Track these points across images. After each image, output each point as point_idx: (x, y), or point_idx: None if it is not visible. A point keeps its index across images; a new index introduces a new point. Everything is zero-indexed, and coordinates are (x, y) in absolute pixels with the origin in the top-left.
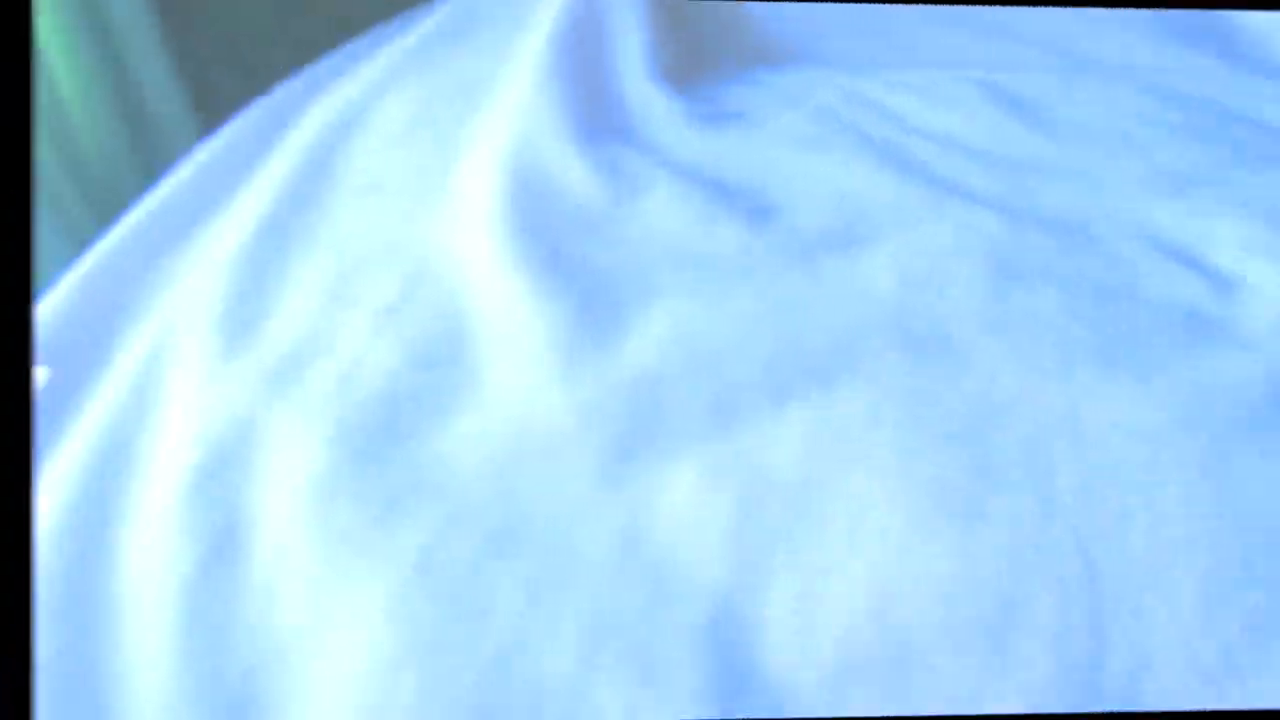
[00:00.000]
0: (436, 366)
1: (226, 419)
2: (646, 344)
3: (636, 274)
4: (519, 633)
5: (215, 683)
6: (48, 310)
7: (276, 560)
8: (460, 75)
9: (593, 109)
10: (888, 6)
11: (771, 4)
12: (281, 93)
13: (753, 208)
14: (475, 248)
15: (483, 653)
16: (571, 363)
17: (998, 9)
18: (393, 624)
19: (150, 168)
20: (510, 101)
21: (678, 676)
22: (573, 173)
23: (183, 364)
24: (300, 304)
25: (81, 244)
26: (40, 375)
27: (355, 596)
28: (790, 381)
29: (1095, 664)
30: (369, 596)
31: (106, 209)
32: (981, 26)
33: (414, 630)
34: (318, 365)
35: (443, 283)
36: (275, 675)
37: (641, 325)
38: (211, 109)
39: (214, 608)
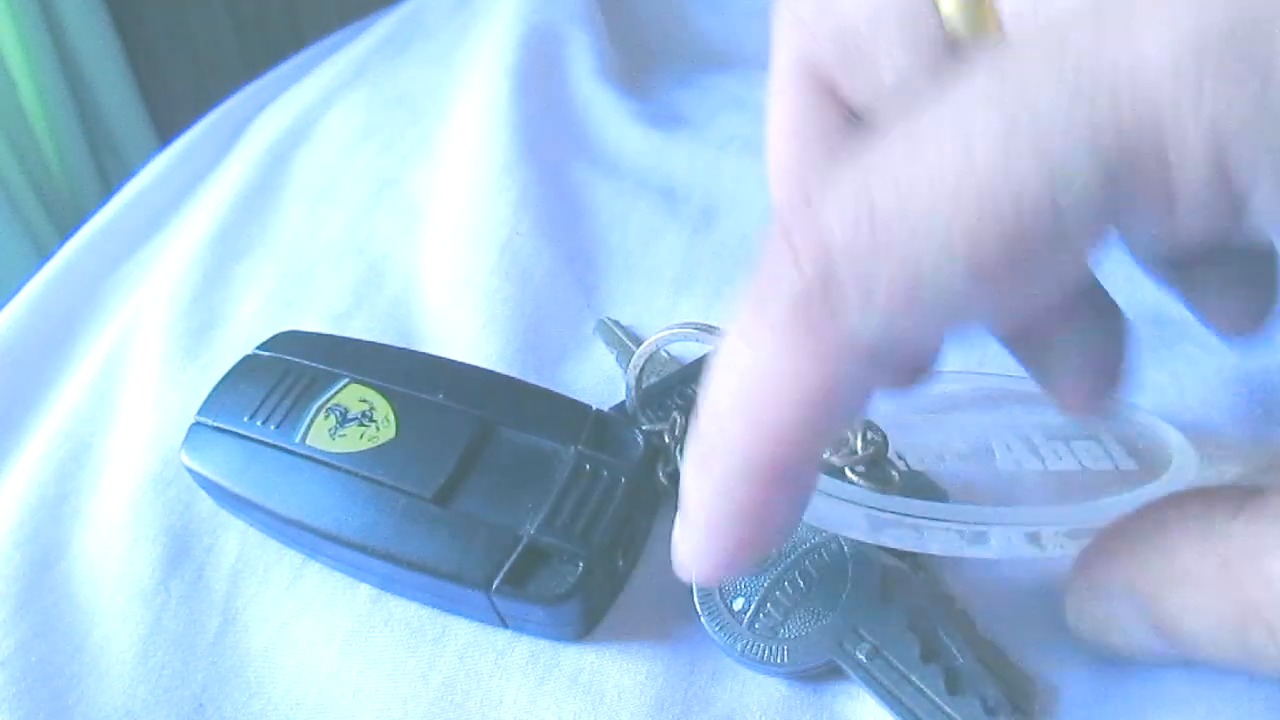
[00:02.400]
0: None
1: (182, 424)
2: (599, 366)
3: (587, 285)
4: (470, 662)
5: (172, 696)
6: (9, 315)
7: (234, 576)
8: (406, 84)
9: (545, 113)
10: None
11: (717, 5)
12: (234, 102)
13: (699, 213)
14: (427, 256)
15: (435, 682)
16: (522, 376)
17: None
18: (351, 651)
19: (109, 177)
20: (467, 110)
21: None
22: (525, 181)
23: (140, 368)
24: (254, 309)
25: (42, 252)
26: None
27: (314, 620)
28: None
29: None
30: (328, 622)
31: (67, 217)
32: None
33: (371, 658)
34: None
35: (394, 290)
36: (232, 693)
37: (594, 348)
38: (167, 118)
39: (172, 619)
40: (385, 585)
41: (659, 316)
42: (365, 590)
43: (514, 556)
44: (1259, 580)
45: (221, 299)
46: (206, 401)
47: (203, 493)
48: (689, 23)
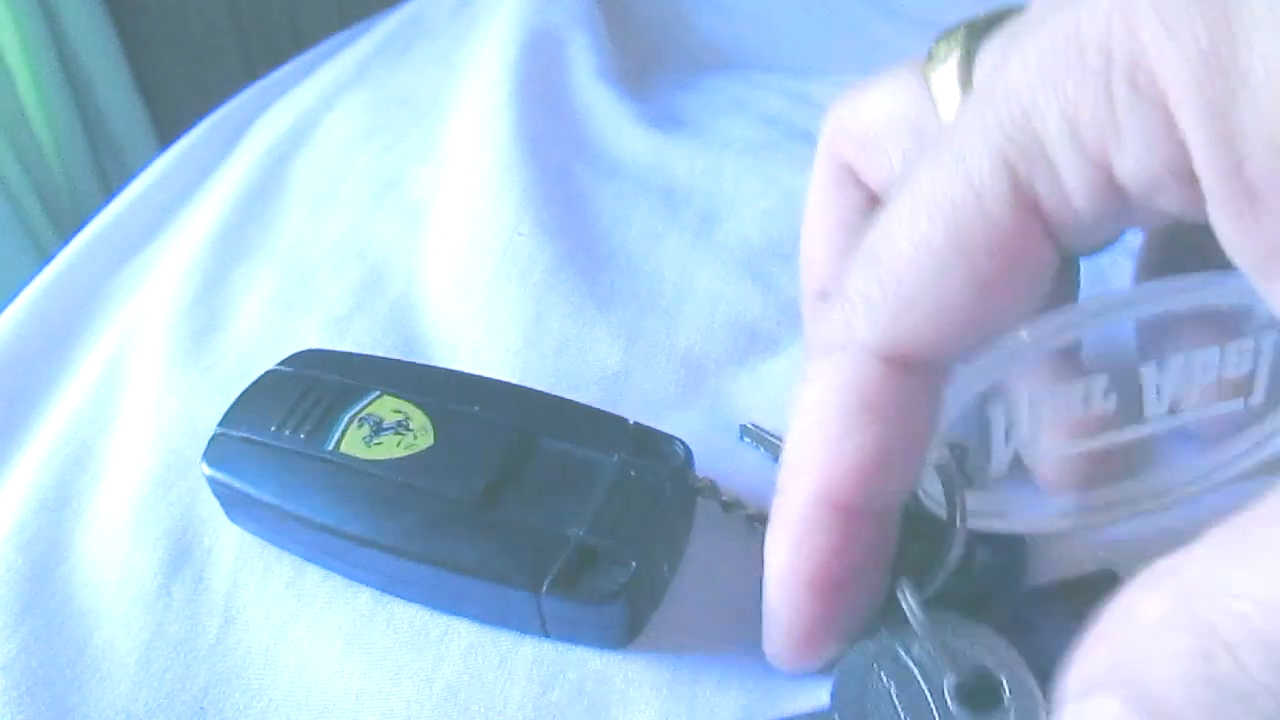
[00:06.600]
0: None
1: (183, 427)
2: (603, 361)
3: (588, 288)
4: (474, 666)
5: (174, 699)
6: (10, 318)
7: (235, 577)
8: (407, 86)
9: (547, 114)
10: (839, 8)
11: (719, 6)
12: (235, 104)
13: (700, 215)
14: (429, 258)
15: (439, 685)
16: (524, 380)
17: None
18: (353, 652)
19: (110, 179)
20: (468, 111)
21: None
22: (526, 182)
23: (141, 370)
24: (255, 312)
25: (43, 254)
26: None
27: (315, 621)
28: None
29: None
30: (330, 623)
31: (67, 218)
32: (938, 26)
33: (374, 659)
34: None
35: (395, 293)
36: (233, 695)
37: (595, 343)
38: (167, 119)
39: (174, 622)
40: (424, 597)
41: (662, 318)
42: (367, 590)
43: (564, 557)
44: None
45: (223, 301)
46: (228, 414)
47: (204, 494)
48: (690, 24)
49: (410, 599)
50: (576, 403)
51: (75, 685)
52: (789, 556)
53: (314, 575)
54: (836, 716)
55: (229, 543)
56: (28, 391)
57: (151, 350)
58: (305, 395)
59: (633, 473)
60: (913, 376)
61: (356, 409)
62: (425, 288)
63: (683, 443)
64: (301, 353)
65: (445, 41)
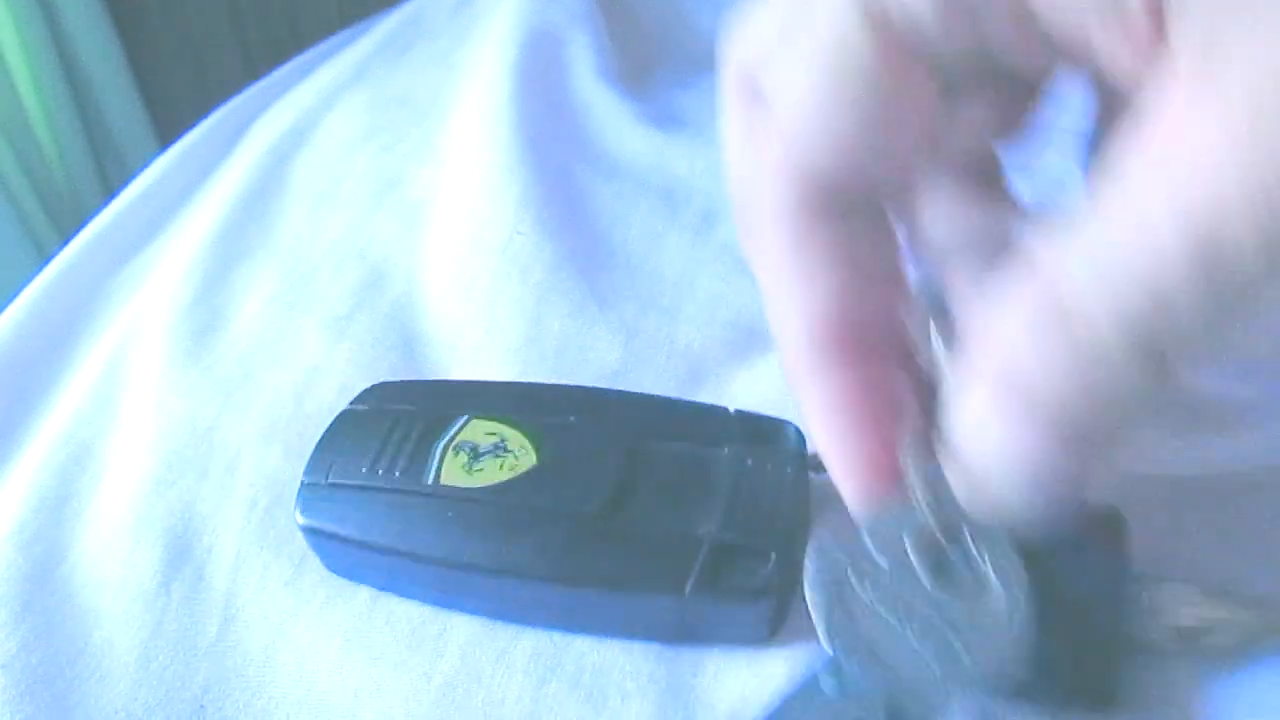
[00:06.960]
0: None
1: (184, 427)
2: (603, 358)
3: (589, 287)
4: (472, 661)
5: (174, 698)
6: (11, 317)
7: (234, 576)
8: (407, 86)
9: (547, 114)
10: None
11: (719, 6)
12: (235, 104)
13: (700, 214)
14: (429, 258)
15: (438, 681)
16: (524, 377)
17: None
18: (351, 650)
19: (110, 179)
20: (468, 111)
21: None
22: (525, 181)
23: (142, 370)
24: (255, 311)
25: (43, 254)
26: None
27: (314, 620)
28: None
29: None
30: (329, 621)
31: (67, 218)
32: None
33: (372, 657)
34: (273, 375)
35: (395, 293)
36: (233, 693)
37: (595, 340)
38: (167, 119)
39: (173, 620)
40: (551, 619)
41: (662, 316)
42: (365, 588)
43: (701, 558)
44: None
45: (223, 301)
46: (311, 461)
47: (204, 494)
48: (689, 23)
49: (538, 624)
50: (671, 399)
51: (75, 684)
52: (809, 395)
53: (313, 575)
54: (833, 651)
55: (229, 542)
56: (28, 391)
57: (151, 350)
58: (390, 431)
59: (749, 462)
60: (840, 217)
61: (448, 437)
62: (425, 288)
63: (793, 424)
64: (372, 388)
65: (445, 41)
